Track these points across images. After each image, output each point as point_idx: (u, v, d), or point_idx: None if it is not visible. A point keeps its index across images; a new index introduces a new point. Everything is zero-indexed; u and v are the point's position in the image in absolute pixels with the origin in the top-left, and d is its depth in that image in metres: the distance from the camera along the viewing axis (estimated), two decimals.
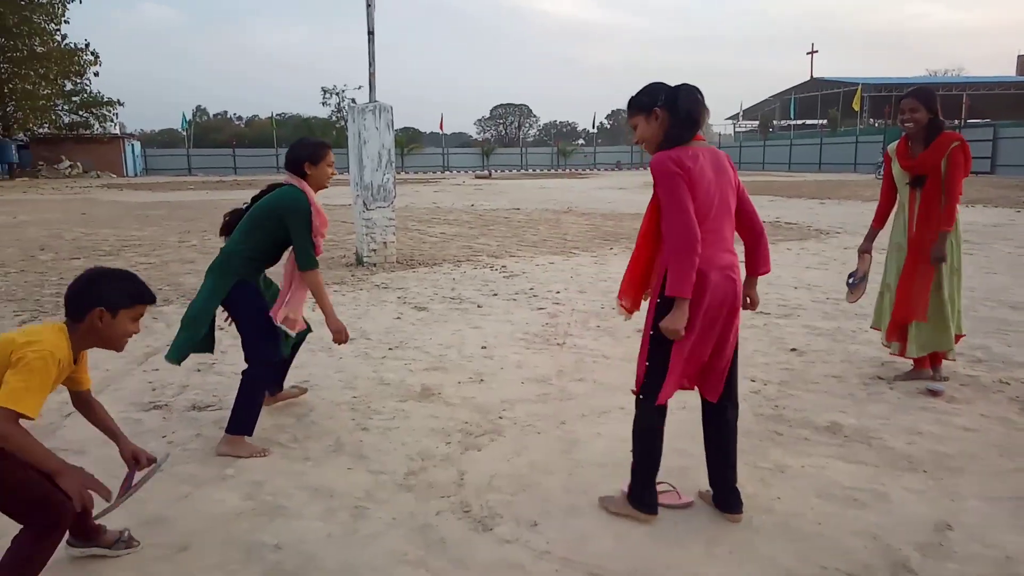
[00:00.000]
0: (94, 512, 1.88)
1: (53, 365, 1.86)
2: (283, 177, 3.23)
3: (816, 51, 55.36)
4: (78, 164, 38.69)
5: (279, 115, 60.31)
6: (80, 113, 40.34)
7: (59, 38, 38.39)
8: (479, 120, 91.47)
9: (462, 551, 2.30)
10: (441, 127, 53.04)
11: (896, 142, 3.94)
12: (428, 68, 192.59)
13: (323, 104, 60.45)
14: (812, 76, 54.92)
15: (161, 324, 5.38)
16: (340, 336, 3.15)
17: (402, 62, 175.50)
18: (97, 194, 23.45)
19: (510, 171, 49.36)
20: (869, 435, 3.20)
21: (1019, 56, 58.18)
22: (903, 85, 39.01)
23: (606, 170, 50.70)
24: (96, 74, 39.86)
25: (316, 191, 3.16)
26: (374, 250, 8.15)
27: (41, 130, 39.90)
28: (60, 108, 39.96)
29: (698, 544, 2.34)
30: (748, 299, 2.54)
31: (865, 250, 3.99)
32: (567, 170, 51.28)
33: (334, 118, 52.18)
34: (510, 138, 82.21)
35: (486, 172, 43.75)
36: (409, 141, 53.79)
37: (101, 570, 2.20)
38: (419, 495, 2.67)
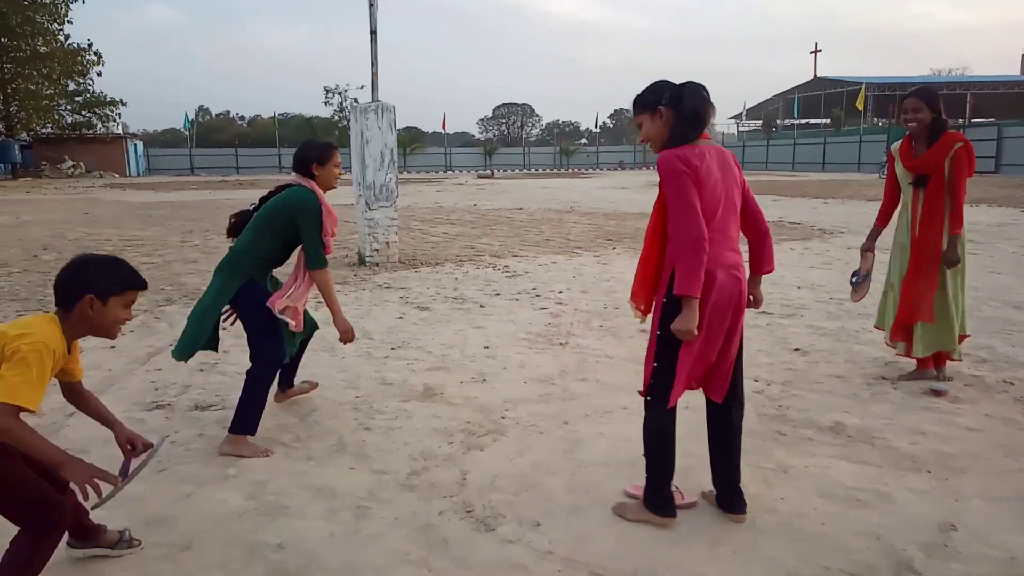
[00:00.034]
0: (92, 503, 1.84)
1: (48, 356, 1.83)
2: (291, 177, 3.24)
3: (820, 50, 55.27)
4: (81, 164, 38.78)
5: (282, 115, 60.47)
6: (83, 113, 40.42)
7: (62, 38, 38.49)
8: (482, 120, 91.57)
9: (464, 551, 2.30)
10: (444, 127, 53.09)
11: (900, 141, 3.93)
12: (430, 67, 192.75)
13: (326, 104, 60.47)
14: (816, 75, 54.81)
15: (164, 324, 5.38)
16: (347, 335, 3.18)
17: (404, 62, 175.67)
18: (100, 194, 23.50)
19: (513, 171, 49.37)
20: (873, 435, 3.19)
21: (1023, 55, 57.98)
22: (907, 84, 38.95)
23: (609, 170, 50.67)
24: (99, 74, 39.96)
25: (324, 191, 3.18)
26: (376, 250, 8.15)
27: (44, 130, 39.98)
28: (63, 108, 40.06)
29: (701, 544, 2.33)
30: (752, 298, 2.53)
31: (868, 249, 3.98)
32: (570, 170, 51.26)
33: (336, 118, 52.13)
34: (513, 138, 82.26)
35: (489, 172, 43.77)
36: (411, 141, 53.83)
37: (103, 570, 2.20)
38: (421, 495, 2.67)
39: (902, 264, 3.87)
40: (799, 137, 47.72)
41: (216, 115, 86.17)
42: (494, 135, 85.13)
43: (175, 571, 2.20)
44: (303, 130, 55.12)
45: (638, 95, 2.39)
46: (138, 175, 42.53)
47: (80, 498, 1.83)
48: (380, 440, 3.19)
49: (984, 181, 23.79)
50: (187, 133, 52.76)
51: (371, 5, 8.33)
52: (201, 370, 4.20)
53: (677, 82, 2.38)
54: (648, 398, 2.41)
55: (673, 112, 2.32)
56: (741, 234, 2.47)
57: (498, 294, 6.47)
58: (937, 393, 3.68)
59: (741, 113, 60.05)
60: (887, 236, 4.09)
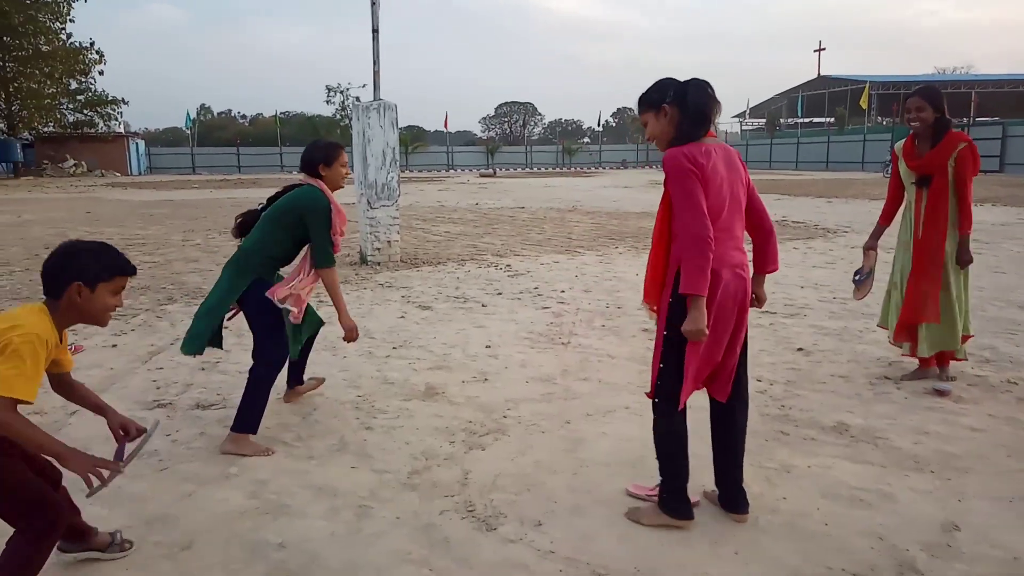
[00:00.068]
0: (87, 491, 1.82)
1: (41, 347, 1.80)
2: (299, 177, 3.27)
3: (823, 48, 55.22)
4: (82, 163, 38.84)
5: (283, 113, 60.44)
6: (85, 112, 40.50)
7: (64, 37, 38.58)
8: (484, 118, 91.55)
9: (466, 550, 2.29)
10: (446, 125, 53.05)
11: (903, 140, 3.92)
12: (432, 66, 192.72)
13: (327, 102, 60.65)
14: (819, 74, 54.70)
15: (165, 323, 5.39)
16: (351, 334, 3.20)
17: (407, 60, 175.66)
18: (101, 193, 23.54)
19: (515, 170, 49.35)
20: (876, 435, 3.18)
21: None
22: (911, 83, 38.89)
23: (611, 169, 50.65)
24: (101, 73, 40.08)
25: (332, 191, 3.21)
26: (378, 249, 8.15)
27: (46, 129, 40.06)
28: (65, 107, 40.15)
29: (703, 544, 2.33)
30: (755, 297, 2.52)
31: (870, 247, 3.98)
32: (572, 168, 51.23)
33: (338, 116, 52.18)
34: (515, 136, 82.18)
35: (491, 171, 43.75)
36: (413, 139, 53.86)
37: (104, 569, 2.20)
38: (423, 494, 2.67)
39: (905, 263, 3.86)
40: (803, 136, 47.61)
41: (218, 114, 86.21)
42: (496, 134, 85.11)
43: (176, 570, 2.20)
44: (305, 129, 55.20)
45: (642, 94, 2.38)
46: (140, 174, 42.59)
47: (85, 486, 1.80)
48: (381, 439, 3.18)
49: (988, 180, 23.72)
50: (189, 132, 52.83)
51: (373, 3, 8.32)
52: (203, 369, 4.20)
53: (682, 80, 2.36)
54: (656, 400, 2.39)
55: (678, 110, 2.31)
56: (745, 233, 2.46)
57: (500, 293, 6.47)
58: (941, 393, 3.67)
59: (744, 112, 59.94)
60: (891, 235, 4.08)
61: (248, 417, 3.03)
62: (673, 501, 2.40)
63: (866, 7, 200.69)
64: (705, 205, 2.21)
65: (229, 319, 3.28)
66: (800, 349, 4.56)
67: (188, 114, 50.93)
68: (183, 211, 15.61)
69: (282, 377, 3.34)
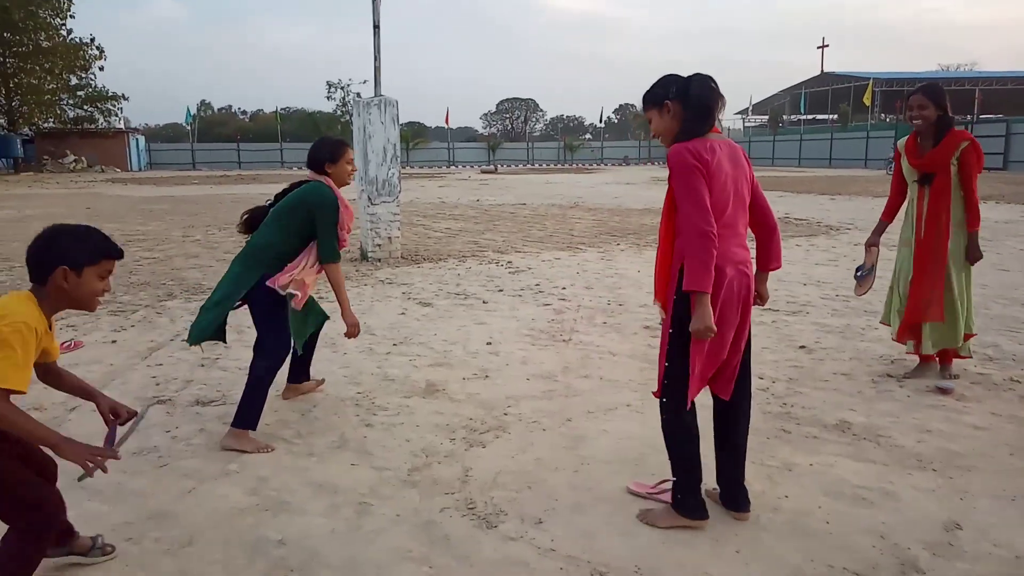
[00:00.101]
0: (79, 475, 1.80)
1: (31, 335, 1.77)
2: (306, 174, 3.29)
3: (827, 45, 55.07)
4: (83, 159, 38.83)
5: (284, 109, 60.33)
6: (85, 108, 40.45)
7: (64, 33, 38.55)
8: (485, 114, 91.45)
9: (466, 548, 2.29)
10: (447, 121, 52.96)
11: (906, 138, 3.91)
12: (434, 62, 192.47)
13: (328, 98, 60.41)
14: (823, 70, 54.56)
15: (165, 319, 5.38)
16: (353, 330, 3.21)
17: (408, 56, 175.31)
18: (102, 188, 23.54)
19: (516, 166, 49.31)
20: (878, 433, 3.17)
21: None
22: (915, 80, 38.71)
23: (613, 165, 50.60)
24: (101, 69, 40.04)
25: (338, 188, 3.24)
26: (379, 245, 8.14)
27: (46, 124, 40.04)
28: (65, 103, 40.10)
29: (704, 542, 2.32)
30: (758, 295, 2.50)
31: (872, 244, 3.96)
32: (574, 165, 51.18)
33: (339, 112, 52.10)
34: (516, 133, 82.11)
35: (492, 167, 43.70)
36: (414, 136, 53.76)
37: (105, 567, 2.20)
38: (423, 492, 2.66)
39: (907, 260, 3.85)
40: (806, 133, 47.48)
41: (218, 110, 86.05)
42: (498, 130, 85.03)
43: (177, 567, 2.19)
44: (305, 125, 55.15)
45: (646, 91, 2.36)
46: (140, 170, 42.56)
47: (88, 473, 1.79)
48: (382, 436, 3.17)
49: (992, 178, 23.66)
50: (189, 128, 52.78)
51: None
52: (202, 365, 4.20)
53: (685, 75, 2.34)
54: (664, 400, 2.36)
55: (681, 106, 2.29)
56: (748, 230, 2.44)
57: (501, 290, 6.45)
58: (943, 391, 3.66)
59: (747, 108, 59.80)
60: (893, 232, 4.06)
61: (248, 413, 3.03)
62: (688, 501, 2.37)
63: (870, 4, 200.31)
64: (709, 201, 2.19)
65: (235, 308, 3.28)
66: (802, 347, 4.55)
67: (188, 110, 50.84)
68: (183, 207, 15.60)
69: (282, 374, 3.33)
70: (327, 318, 3.58)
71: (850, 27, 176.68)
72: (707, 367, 2.33)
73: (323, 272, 3.21)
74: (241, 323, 3.51)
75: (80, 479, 1.82)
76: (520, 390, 3.76)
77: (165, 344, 4.67)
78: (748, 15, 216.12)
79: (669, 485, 2.60)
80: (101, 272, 1.92)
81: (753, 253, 2.41)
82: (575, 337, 4.83)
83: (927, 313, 3.71)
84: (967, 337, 3.85)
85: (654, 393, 2.43)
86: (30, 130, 39.64)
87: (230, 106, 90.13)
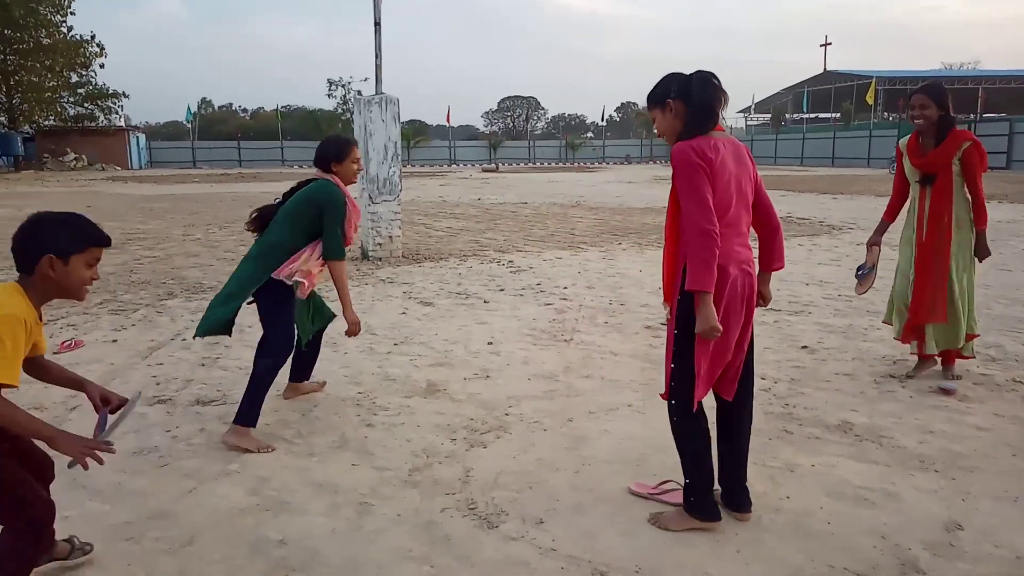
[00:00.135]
0: (67, 464, 1.77)
1: (20, 328, 1.73)
2: (313, 172, 3.32)
3: (830, 43, 54.90)
4: (83, 157, 38.85)
5: (284, 107, 60.27)
6: (85, 105, 40.47)
7: (65, 30, 38.55)
8: (486, 113, 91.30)
9: (467, 548, 2.28)
10: (448, 120, 52.88)
11: (907, 137, 3.90)
12: (435, 60, 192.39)
13: (329, 96, 60.38)
14: (825, 69, 54.48)
15: (165, 318, 5.38)
16: (354, 328, 3.22)
17: (409, 54, 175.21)
18: (102, 187, 23.54)
19: (517, 164, 49.28)
20: (880, 434, 3.16)
21: None
22: (918, 78, 38.72)
23: (615, 164, 50.56)
24: (102, 66, 40.04)
25: (344, 186, 3.27)
26: (380, 244, 8.13)
27: (46, 122, 40.06)
28: (65, 100, 40.11)
29: (706, 542, 2.31)
30: (760, 295, 2.49)
31: (874, 243, 3.96)
32: (575, 164, 51.13)
33: (340, 110, 52.09)
34: (518, 131, 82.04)
35: (493, 165, 43.67)
36: (415, 134, 53.71)
37: (107, 565, 2.19)
38: (424, 492, 2.66)
39: (908, 259, 3.85)
40: (808, 131, 47.43)
41: (218, 107, 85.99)
42: (499, 128, 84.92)
43: (177, 566, 2.19)
44: (306, 123, 55.13)
45: (650, 90, 2.36)
46: (140, 168, 42.58)
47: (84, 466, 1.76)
48: (382, 436, 3.17)
49: (995, 177, 23.61)
50: (189, 126, 52.75)
51: None
52: (203, 365, 4.20)
53: (688, 73, 2.33)
54: (672, 402, 2.35)
55: (683, 104, 2.27)
56: (750, 229, 2.43)
57: (502, 289, 6.45)
58: (946, 392, 3.65)
59: (750, 107, 59.71)
60: (895, 231, 4.06)
61: (249, 409, 3.04)
62: (701, 503, 2.36)
63: (873, 2, 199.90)
64: (712, 200, 2.18)
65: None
66: (804, 347, 4.54)
67: (189, 108, 50.82)
68: (183, 205, 15.60)
69: (283, 373, 3.33)
70: (334, 317, 3.59)
71: (852, 25, 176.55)
72: (713, 367, 2.31)
73: (326, 268, 3.23)
74: (242, 323, 3.50)
75: (70, 466, 1.80)
76: (521, 390, 3.76)
77: (166, 343, 4.67)
78: (751, 13, 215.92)
79: (670, 485, 2.60)
80: (89, 260, 1.87)
81: (755, 253, 2.40)
82: (576, 337, 4.83)
83: (932, 314, 3.71)
84: (970, 337, 3.84)
85: (662, 395, 2.42)
86: (31, 128, 39.66)
87: (231, 104, 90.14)
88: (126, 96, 41.39)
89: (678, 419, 2.36)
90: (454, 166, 47.61)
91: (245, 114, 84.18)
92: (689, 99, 2.26)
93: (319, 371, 3.90)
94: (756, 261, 2.44)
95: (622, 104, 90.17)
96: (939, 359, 3.92)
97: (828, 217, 12.55)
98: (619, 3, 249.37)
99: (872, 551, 2.25)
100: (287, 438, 3.15)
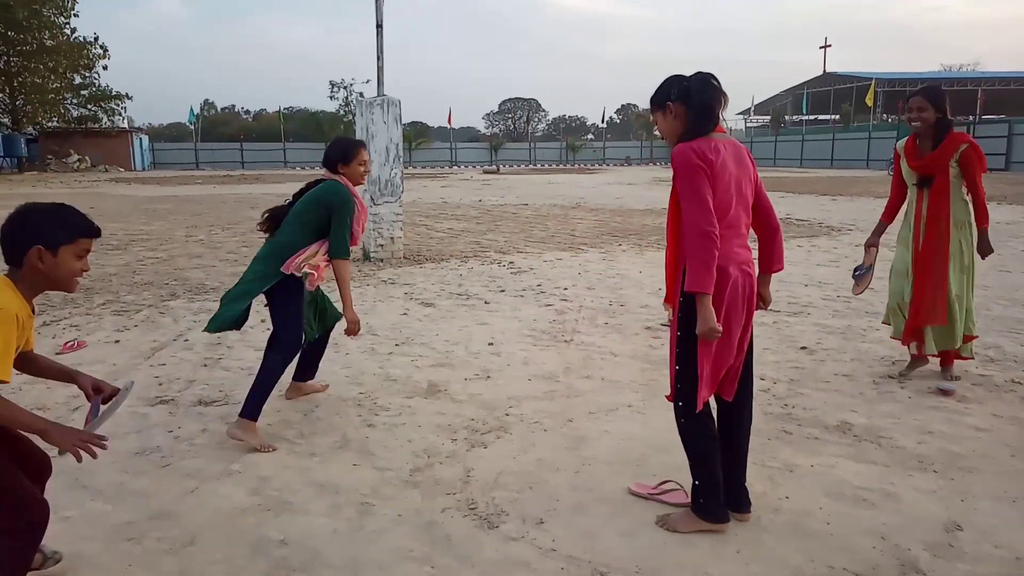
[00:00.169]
0: (53, 453, 1.76)
1: (11, 322, 1.70)
2: (322, 172, 3.37)
3: (829, 45, 54.90)
4: (86, 158, 38.91)
5: (287, 109, 60.40)
6: (88, 107, 40.55)
7: (68, 32, 38.63)
8: (487, 114, 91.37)
9: (468, 548, 2.29)
10: (449, 121, 52.97)
11: (905, 139, 3.91)
12: (436, 62, 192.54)
13: (331, 98, 60.49)
14: (825, 70, 54.49)
15: (168, 319, 5.39)
16: (354, 327, 3.25)
17: (410, 56, 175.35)
18: (105, 188, 23.58)
19: (518, 166, 49.29)
20: (879, 434, 3.17)
21: None
22: (917, 80, 38.71)
23: (615, 165, 50.56)
24: (105, 68, 40.16)
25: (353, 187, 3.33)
26: (381, 245, 8.15)
27: (50, 124, 40.14)
28: (69, 102, 40.21)
29: (705, 542, 2.32)
30: (760, 297, 2.49)
31: (872, 244, 3.98)
32: (576, 165, 51.14)
33: (342, 112, 52.14)
34: (518, 133, 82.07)
35: (494, 167, 43.70)
36: (417, 135, 53.78)
37: (107, 565, 2.21)
38: (425, 492, 2.67)
39: (904, 258, 3.87)
40: (808, 133, 47.43)
41: (221, 109, 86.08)
42: (500, 130, 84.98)
43: (178, 566, 2.20)
44: (308, 125, 55.21)
45: (652, 94, 2.37)
46: (143, 169, 42.63)
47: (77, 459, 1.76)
48: (384, 437, 3.18)
49: (994, 178, 23.59)
50: (192, 127, 52.82)
51: None
52: (205, 365, 4.21)
53: (688, 75, 2.34)
54: (679, 403, 2.35)
55: (683, 106, 2.29)
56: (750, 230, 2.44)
57: (503, 290, 6.46)
58: (945, 392, 3.65)
59: (749, 109, 59.74)
60: (893, 232, 4.07)
61: (254, 403, 3.08)
62: (710, 505, 2.36)
63: (873, 3, 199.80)
64: (712, 201, 2.19)
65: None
66: (803, 347, 4.55)
67: (192, 109, 50.93)
68: (186, 207, 15.63)
69: (287, 373, 3.34)
70: (340, 318, 3.61)
71: (854, 25, 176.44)
72: (717, 369, 2.32)
73: (331, 266, 3.27)
74: (245, 324, 3.52)
75: (60, 453, 1.79)
76: (522, 391, 3.77)
77: (168, 344, 4.69)
78: (751, 15, 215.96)
79: (670, 486, 2.61)
80: (78, 251, 1.84)
81: (754, 254, 2.41)
82: (577, 338, 4.84)
83: (932, 316, 3.72)
84: (969, 339, 3.85)
85: (667, 397, 2.43)
86: (34, 129, 39.73)
87: (233, 106, 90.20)
88: (129, 98, 41.53)
89: (685, 421, 2.36)
90: (455, 168, 47.63)
91: (247, 116, 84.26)
92: (689, 101, 2.27)
93: (320, 372, 3.92)
94: (756, 262, 2.45)
95: (622, 106, 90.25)
96: (937, 359, 3.93)
97: (827, 218, 12.55)
98: (621, 3, 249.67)
99: (872, 551, 2.26)
100: (289, 438, 3.16)
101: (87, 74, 39.62)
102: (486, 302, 5.96)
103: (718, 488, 2.37)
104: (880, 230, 4.01)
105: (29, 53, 37.30)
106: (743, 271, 2.30)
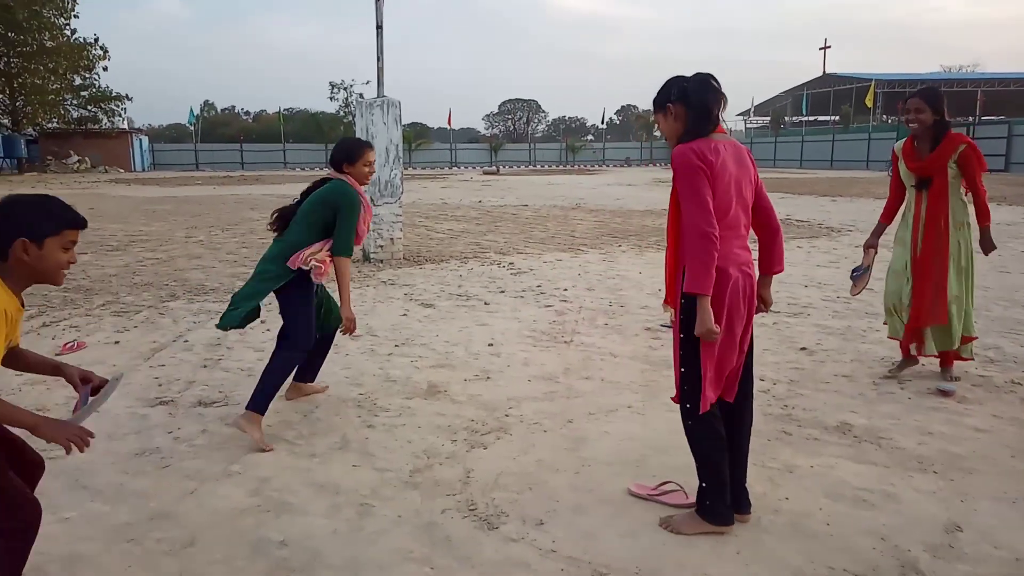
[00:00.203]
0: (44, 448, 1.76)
1: (0, 318, 1.68)
2: (326, 171, 3.40)
3: (829, 46, 54.98)
4: (86, 159, 38.91)
5: (287, 110, 60.42)
6: (88, 108, 40.57)
7: (68, 33, 38.67)
8: (487, 115, 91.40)
9: (468, 549, 2.29)
10: (449, 122, 52.99)
11: (903, 141, 3.92)
12: (436, 63, 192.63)
13: (331, 99, 60.54)
14: (824, 71, 54.53)
15: (167, 320, 5.39)
16: (350, 324, 3.28)
17: (410, 57, 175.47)
18: (105, 189, 23.58)
19: (518, 167, 49.30)
20: (879, 435, 3.17)
21: None
22: (917, 81, 38.76)
23: (615, 166, 50.57)
24: (105, 69, 40.19)
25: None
26: (381, 246, 8.15)
27: (50, 125, 40.14)
28: (69, 103, 40.23)
29: (706, 543, 2.32)
30: (761, 300, 2.49)
31: (871, 245, 3.98)
32: (576, 166, 51.16)
33: (342, 113, 52.18)
34: (518, 134, 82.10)
35: (494, 168, 43.71)
36: (417, 136, 53.79)
37: (107, 565, 2.21)
38: (425, 493, 2.67)
39: (901, 258, 3.87)
40: (807, 134, 47.45)
41: (221, 110, 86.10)
42: (500, 131, 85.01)
43: (178, 567, 2.20)
44: (308, 126, 55.23)
45: (655, 95, 2.38)
46: (143, 170, 42.63)
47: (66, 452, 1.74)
48: (383, 437, 3.18)
49: (994, 179, 23.58)
50: (192, 128, 52.83)
51: None
52: (205, 366, 4.21)
53: (689, 76, 2.35)
54: (687, 405, 2.34)
55: (683, 107, 2.29)
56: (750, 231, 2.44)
57: (503, 291, 6.46)
58: (945, 393, 3.66)
59: (749, 110, 59.78)
60: (892, 233, 4.07)
61: (262, 396, 3.11)
62: (716, 507, 2.35)
63: (873, 4, 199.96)
64: (711, 202, 2.19)
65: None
66: (803, 348, 4.55)
67: (191, 110, 50.94)
68: (186, 207, 15.63)
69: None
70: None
71: (854, 25, 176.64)
72: (721, 370, 2.32)
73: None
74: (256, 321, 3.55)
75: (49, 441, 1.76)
76: (521, 391, 3.77)
77: (168, 345, 4.69)
78: (751, 14, 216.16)
79: (670, 486, 2.61)
80: (64, 243, 1.80)
81: (754, 255, 2.41)
82: (576, 339, 4.84)
83: (933, 317, 3.72)
84: (968, 340, 3.86)
85: (673, 399, 2.43)
86: (34, 130, 39.73)
87: (233, 106, 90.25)
88: (129, 99, 41.56)
89: (692, 423, 2.36)
90: (455, 169, 47.64)
91: (247, 117, 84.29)
92: (688, 102, 2.28)
93: (321, 372, 3.91)
94: (756, 263, 2.45)
95: (622, 107, 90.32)
96: (933, 359, 3.94)
97: (827, 219, 12.55)
98: (620, 4, 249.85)
99: (872, 552, 2.26)
100: (289, 439, 3.16)
101: (87, 75, 39.66)
102: (486, 303, 5.96)
103: (725, 490, 2.36)
104: (879, 231, 4.02)
105: (29, 54, 37.32)
106: (743, 272, 2.31)
